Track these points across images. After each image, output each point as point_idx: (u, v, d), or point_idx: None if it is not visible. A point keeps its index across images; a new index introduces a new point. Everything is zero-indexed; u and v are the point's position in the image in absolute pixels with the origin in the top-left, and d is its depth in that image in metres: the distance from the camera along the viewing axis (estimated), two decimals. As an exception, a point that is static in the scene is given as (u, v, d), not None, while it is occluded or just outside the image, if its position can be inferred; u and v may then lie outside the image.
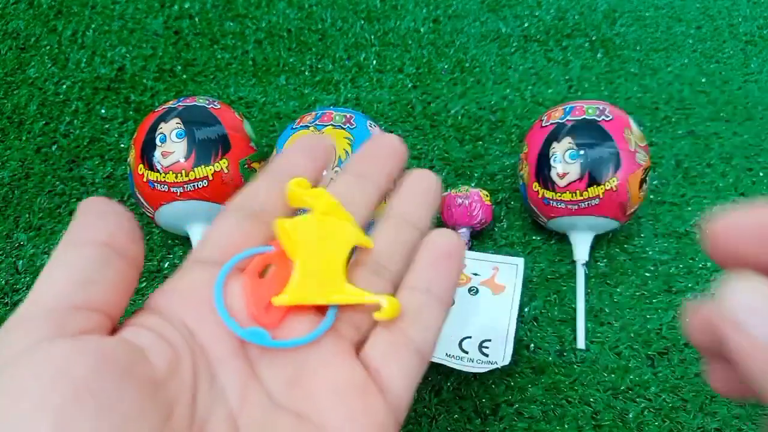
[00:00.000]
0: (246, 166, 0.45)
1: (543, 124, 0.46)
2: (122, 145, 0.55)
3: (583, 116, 0.44)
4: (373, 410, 0.19)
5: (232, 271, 0.21)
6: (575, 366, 0.43)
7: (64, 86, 0.59)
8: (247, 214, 0.22)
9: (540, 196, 0.45)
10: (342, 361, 0.20)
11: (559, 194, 0.44)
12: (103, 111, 0.57)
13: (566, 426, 0.41)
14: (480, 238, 0.49)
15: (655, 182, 0.52)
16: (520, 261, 0.46)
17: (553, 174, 0.44)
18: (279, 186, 0.23)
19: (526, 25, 0.64)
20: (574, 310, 0.45)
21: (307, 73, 0.60)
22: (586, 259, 0.46)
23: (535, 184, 0.45)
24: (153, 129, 0.44)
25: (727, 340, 0.17)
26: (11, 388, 0.15)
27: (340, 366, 0.20)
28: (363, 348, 0.21)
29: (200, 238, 0.22)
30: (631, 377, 0.43)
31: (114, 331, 0.18)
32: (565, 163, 0.43)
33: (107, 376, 0.15)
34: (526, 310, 0.46)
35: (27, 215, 0.51)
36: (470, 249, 0.48)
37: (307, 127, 0.44)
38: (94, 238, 0.18)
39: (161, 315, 0.19)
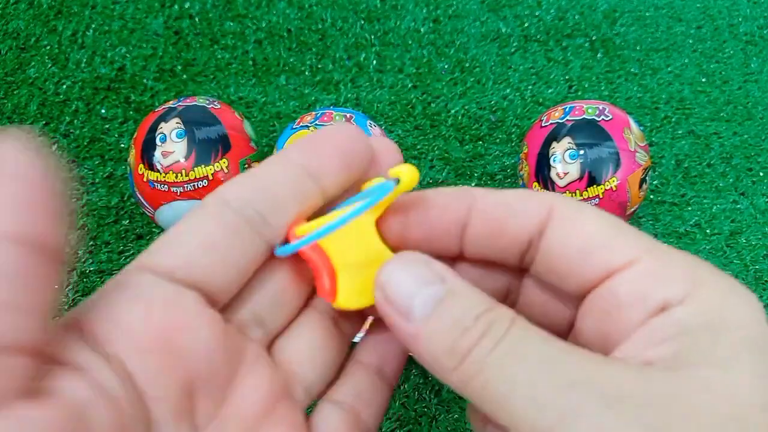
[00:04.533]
0: (246, 165, 0.45)
1: (543, 124, 0.46)
2: (122, 145, 0.55)
3: (583, 116, 0.44)
4: None
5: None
6: (575, 366, 0.43)
7: (64, 86, 0.59)
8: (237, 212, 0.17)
9: (540, 196, 0.45)
10: None
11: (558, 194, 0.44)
12: (103, 111, 0.57)
13: (566, 426, 0.41)
14: (480, 238, 0.49)
15: (655, 182, 0.52)
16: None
17: (553, 174, 0.44)
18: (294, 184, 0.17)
19: (526, 25, 0.64)
20: (574, 310, 0.45)
21: (307, 73, 0.60)
22: (586, 259, 0.46)
23: (535, 184, 0.45)
24: (153, 129, 0.44)
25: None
26: None
27: None
28: (312, 417, 0.19)
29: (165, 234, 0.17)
30: (631, 377, 0.43)
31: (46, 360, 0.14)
32: (565, 162, 0.43)
33: None
34: (526, 310, 0.46)
35: (27, 215, 0.51)
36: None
37: (307, 127, 0.44)
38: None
39: (97, 349, 0.15)
